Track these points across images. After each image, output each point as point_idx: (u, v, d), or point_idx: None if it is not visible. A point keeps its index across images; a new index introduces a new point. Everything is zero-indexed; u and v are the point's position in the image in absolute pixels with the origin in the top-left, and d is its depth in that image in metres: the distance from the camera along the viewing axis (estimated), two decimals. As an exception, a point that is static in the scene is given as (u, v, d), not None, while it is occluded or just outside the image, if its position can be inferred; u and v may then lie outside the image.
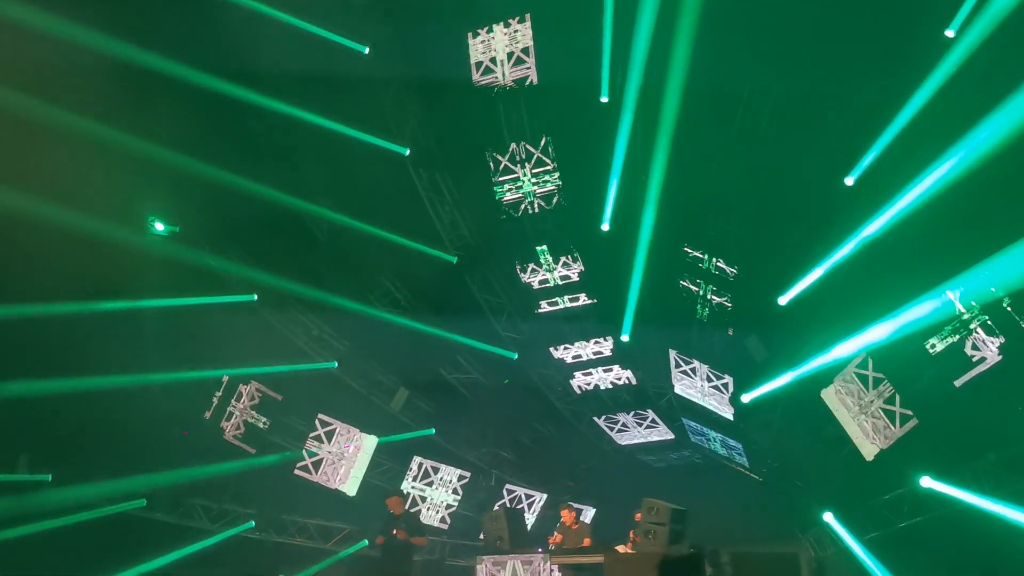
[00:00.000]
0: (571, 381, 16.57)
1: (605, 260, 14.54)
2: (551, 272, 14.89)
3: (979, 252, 9.38)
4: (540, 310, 15.28)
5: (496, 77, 13.60)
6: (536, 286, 15.11)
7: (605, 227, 14.00)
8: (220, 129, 14.24)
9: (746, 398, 13.52)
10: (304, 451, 15.88)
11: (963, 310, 10.12)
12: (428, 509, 16.71)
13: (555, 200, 14.16)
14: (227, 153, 14.49)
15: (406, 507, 12.65)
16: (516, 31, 13.50)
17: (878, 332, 11.22)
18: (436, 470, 16.70)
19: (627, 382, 16.45)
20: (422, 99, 14.68)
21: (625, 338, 14.77)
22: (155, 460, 14.90)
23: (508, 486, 17.66)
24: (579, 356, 16.00)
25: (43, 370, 13.52)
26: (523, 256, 14.98)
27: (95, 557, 14.20)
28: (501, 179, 14.23)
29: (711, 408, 15.04)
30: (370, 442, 16.05)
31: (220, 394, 15.49)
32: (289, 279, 15.40)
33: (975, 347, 10.05)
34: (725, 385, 14.41)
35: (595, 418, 17.40)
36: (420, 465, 16.64)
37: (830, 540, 12.92)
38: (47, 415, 13.96)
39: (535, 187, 14.13)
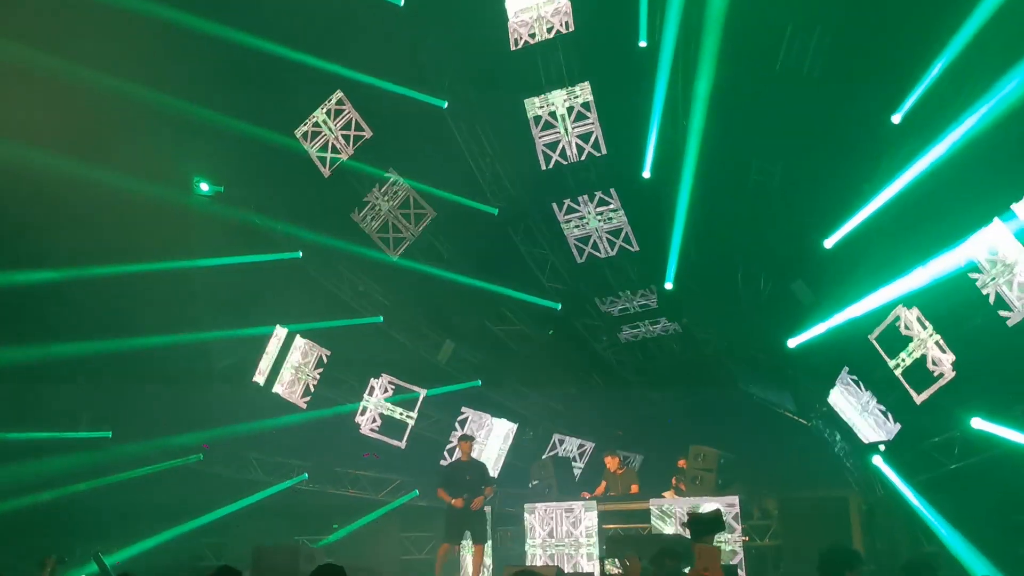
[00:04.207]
0: (617, 333, 16.54)
1: (647, 208, 14.41)
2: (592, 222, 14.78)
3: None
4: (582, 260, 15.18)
5: (532, 27, 13.46)
6: (577, 235, 14.96)
7: (646, 174, 13.87)
8: (261, 88, 14.37)
9: (792, 343, 13.38)
10: None
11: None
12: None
13: (596, 146, 13.94)
14: (268, 112, 14.64)
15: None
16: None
17: (927, 273, 11.00)
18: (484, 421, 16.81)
19: (675, 332, 16.36)
20: (458, 50, 14.60)
21: (669, 286, 14.66)
22: (210, 415, 15.31)
23: (556, 436, 17.79)
24: (625, 309, 15.94)
25: (100, 331, 13.95)
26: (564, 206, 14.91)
27: (157, 509, 14.73)
28: (542, 135, 14.10)
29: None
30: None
31: (269, 351, 15.76)
32: (333, 236, 15.59)
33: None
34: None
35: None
36: (468, 416, 16.78)
37: (879, 483, 12.82)
38: (106, 374, 14.40)
39: (575, 137, 13.97)
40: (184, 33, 13.01)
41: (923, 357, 11.15)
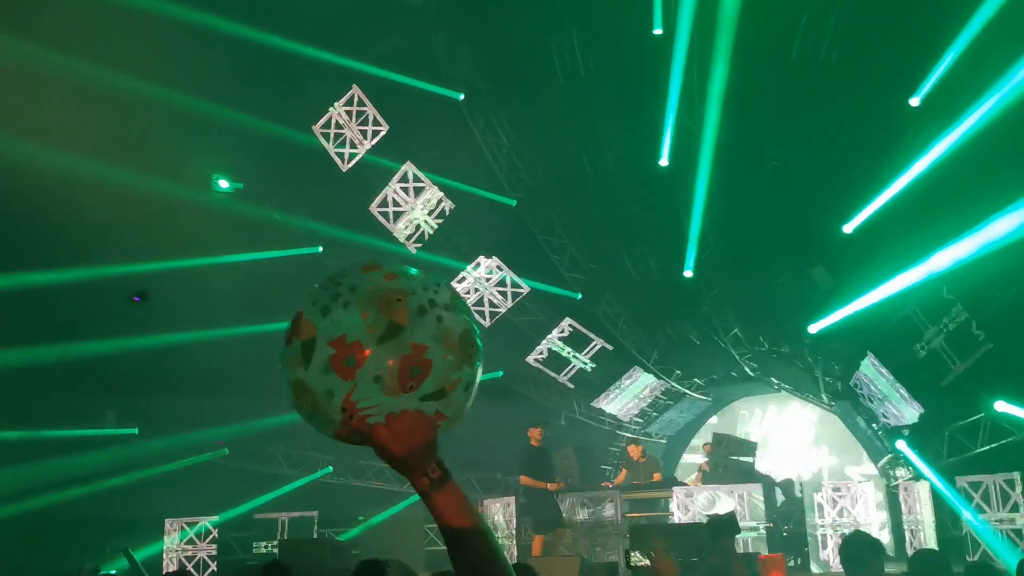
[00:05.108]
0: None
1: (665, 196, 14.39)
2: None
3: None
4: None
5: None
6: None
7: (664, 162, 13.84)
8: (279, 84, 14.42)
9: (813, 329, 13.32)
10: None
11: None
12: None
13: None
14: (286, 108, 14.70)
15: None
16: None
17: (950, 255, 10.91)
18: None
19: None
20: (473, 41, 14.60)
21: (688, 274, 14.64)
22: (235, 411, 15.40)
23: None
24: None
25: (124, 328, 14.06)
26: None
27: (185, 504, 14.87)
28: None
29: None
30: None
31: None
32: (352, 230, 15.63)
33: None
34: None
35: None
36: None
37: (904, 467, 12.78)
38: (131, 371, 14.52)
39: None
40: (201, 32, 13.07)
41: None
